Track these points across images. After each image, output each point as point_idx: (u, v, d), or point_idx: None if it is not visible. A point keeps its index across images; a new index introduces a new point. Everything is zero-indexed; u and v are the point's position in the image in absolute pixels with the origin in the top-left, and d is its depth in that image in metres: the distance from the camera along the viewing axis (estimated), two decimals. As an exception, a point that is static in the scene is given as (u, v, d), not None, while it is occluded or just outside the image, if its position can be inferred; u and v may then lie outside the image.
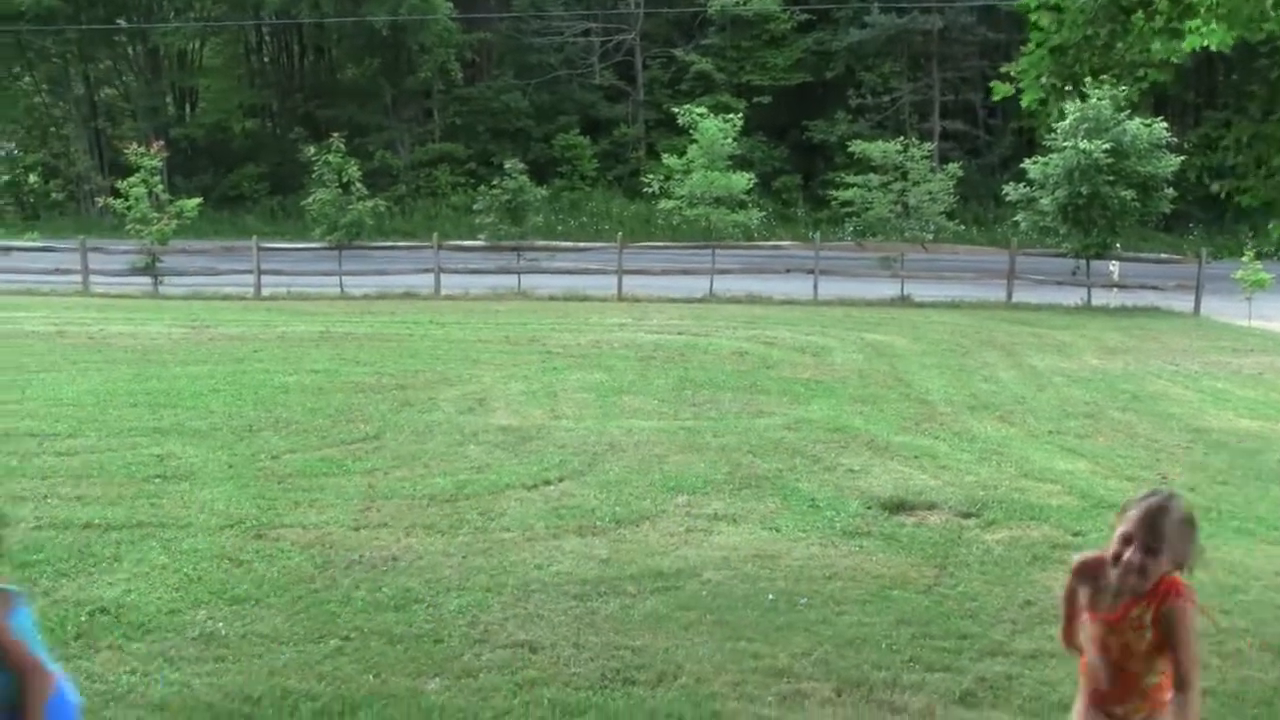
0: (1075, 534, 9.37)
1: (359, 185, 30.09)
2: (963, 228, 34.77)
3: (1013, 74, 7.86)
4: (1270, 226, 8.25)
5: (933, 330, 21.72)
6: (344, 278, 28.74)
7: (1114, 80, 7.85)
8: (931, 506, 10.04)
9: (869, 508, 9.88)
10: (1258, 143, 7.61)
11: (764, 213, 35.30)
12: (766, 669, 6.51)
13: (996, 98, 8.18)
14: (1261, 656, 7.01)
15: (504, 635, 6.97)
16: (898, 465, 11.41)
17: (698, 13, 51.33)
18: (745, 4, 48.94)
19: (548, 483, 10.49)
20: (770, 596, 7.57)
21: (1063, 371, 17.53)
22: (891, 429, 13.07)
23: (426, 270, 28.93)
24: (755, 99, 45.01)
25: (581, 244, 33.43)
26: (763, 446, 12.00)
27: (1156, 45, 7.52)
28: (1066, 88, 7.80)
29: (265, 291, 28.32)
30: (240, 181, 49.34)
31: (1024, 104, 8.02)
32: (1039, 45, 7.59)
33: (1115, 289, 29.71)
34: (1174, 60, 7.86)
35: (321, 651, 6.67)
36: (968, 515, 9.83)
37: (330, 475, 10.70)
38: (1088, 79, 8.25)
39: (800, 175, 45.26)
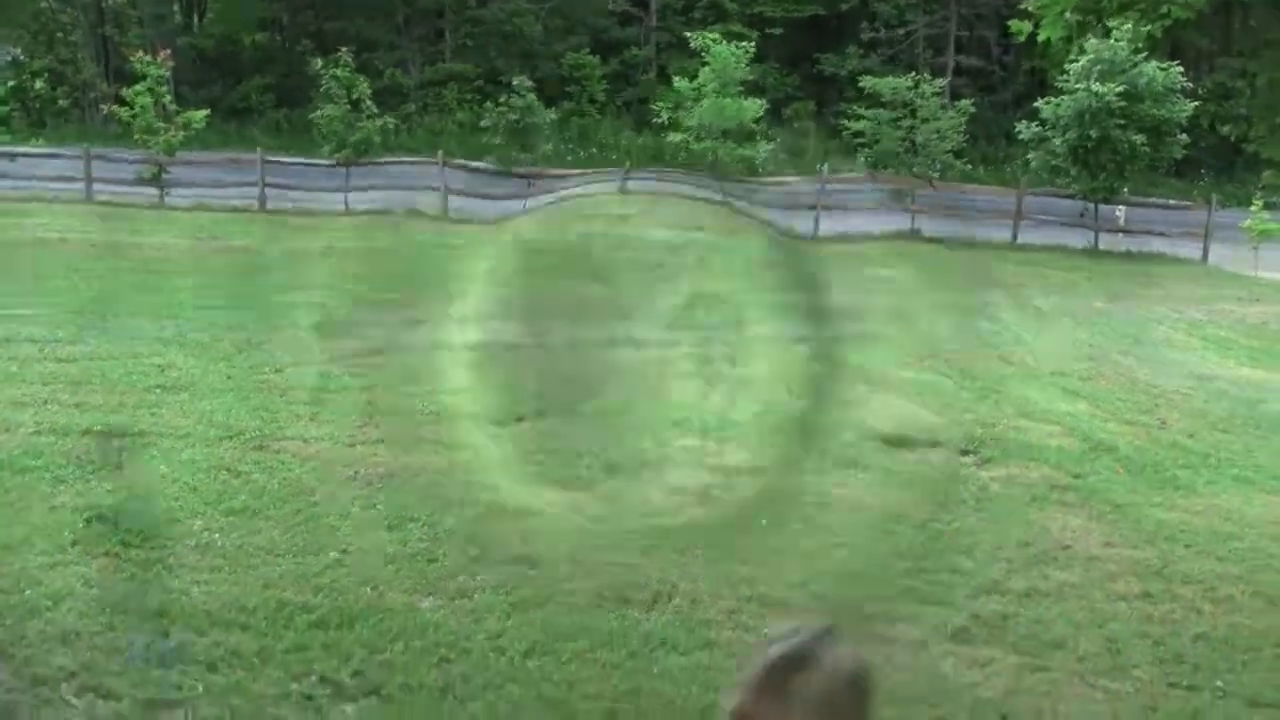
0: (1076, 475, 9.42)
1: (369, 103, 29.89)
2: (969, 166, 34.63)
3: (1032, 8, 7.76)
4: (1266, 175, 8.22)
5: (933, 268, 21.68)
6: (351, 195, 28.70)
7: (1138, 17, 7.69)
8: (934, 443, 10.05)
9: (868, 440, 9.90)
10: (1270, 91, 7.55)
11: (771, 145, 35.04)
12: (760, 597, 6.54)
13: (1019, 36, 8.07)
14: (1252, 603, 7.09)
15: (498, 551, 6.99)
16: (895, 399, 11.41)
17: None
18: (761, -68, 48.54)
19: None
20: (766, 524, 7.59)
21: (1066, 312, 17.52)
22: (888, 363, 13.04)
23: (433, 188, 28.82)
24: (767, 30, 44.55)
25: (589, 171, 33.33)
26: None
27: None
28: (1091, 22, 7.71)
29: (270, 206, 28.24)
30: (248, 94, 49.02)
31: (1041, 37, 7.94)
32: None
33: (1122, 234, 29.68)
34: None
35: (321, 563, 6.70)
36: (967, 452, 9.86)
37: (328, 389, 10.69)
38: (1111, 16, 8.14)
39: (814, 102, 44.97)
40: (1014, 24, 7.64)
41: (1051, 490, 8.99)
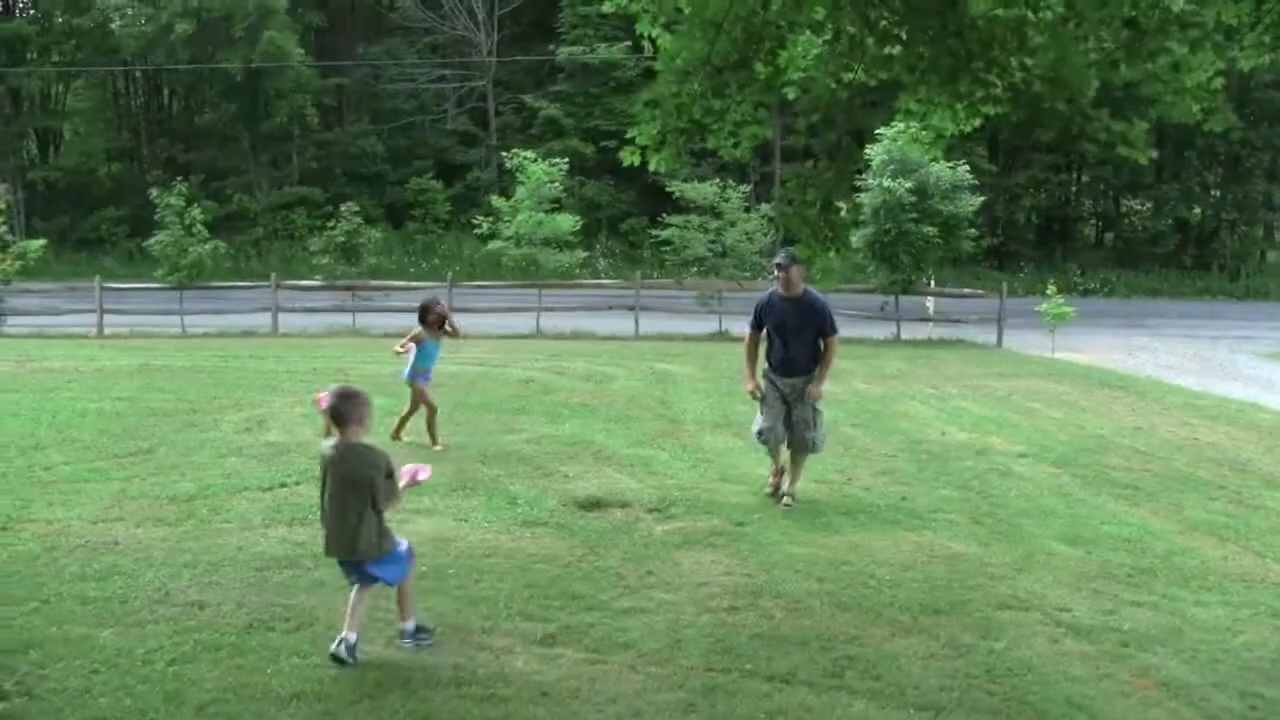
0: (739, 524, 10.79)
1: (200, 227, 31.03)
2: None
3: (635, 138, 9.00)
4: (818, 268, 9.65)
5: (725, 360, 23.19)
6: (187, 317, 29.84)
7: (719, 137, 8.98)
8: (624, 504, 11.40)
9: (565, 505, 11.24)
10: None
11: (589, 253, 36.92)
12: (390, 620, 7.82)
13: (626, 164, 9.26)
14: (825, 610, 8.45)
15: (182, 597, 8.25)
16: (612, 471, 12.78)
17: (547, 60, 52.99)
18: (592, 52, 50.57)
19: (283, 485, 11.75)
20: (424, 568, 8.86)
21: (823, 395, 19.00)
22: (626, 443, 14.46)
23: (266, 309, 30.01)
24: (603, 144, 46.49)
25: (413, 283, 34.78)
26: (496, 456, 13.38)
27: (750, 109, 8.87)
28: (684, 142, 9.00)
29: (108, 330, 29.24)
30: (99, 224, 49.93)
31: (653, 168, 9.19)
32: (645, 105, 8.88)
33: (930, 323, 31.58)
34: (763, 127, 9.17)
35: (20, 611, 7.89)
36: (653, 510, 11.22)
37: (91, 481, 11.86)
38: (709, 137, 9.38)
39: (646, 217, 46.76)
40: (624, 153, 8.53)
41: (709, 535, 10.32)
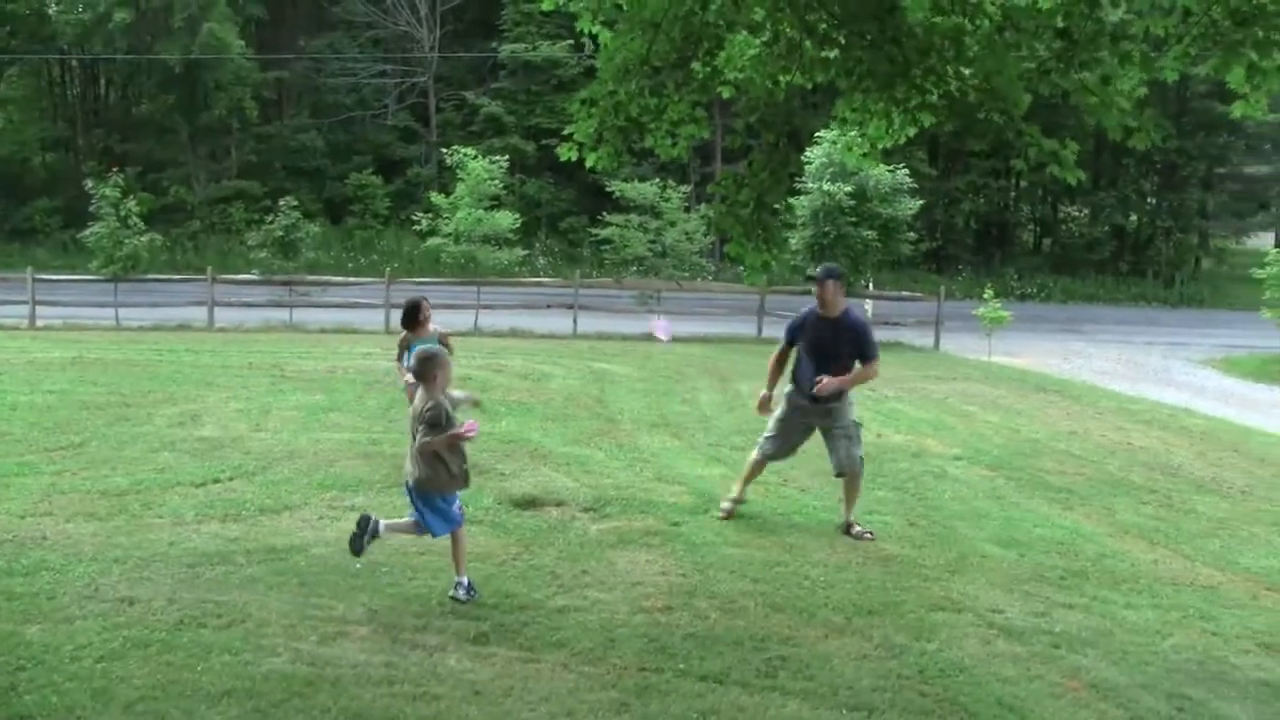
0: (674, 524, 10.80)
1: (136, 220, 30.69)
2: (713, 267, 36.54)
3: (573, 134, 9.00)
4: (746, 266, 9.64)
5: (663, 360, 23.23)
6: (122, 310, 29.46)
7: (657, 136, 8.99)
8: (560, 503, 11.38)
9: (500, 504, 11.20)
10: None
11: (528, 251, 36.89)
12: (323, 617, 7.79)
13: (563, 159, 9.26)
14: (760, 610, 8.48)
15: (112, 593, 8.16)
16: (548, 470, 12.76)
17: (489, 57, 52.87)
18: (534, 50, 50.48)
19: (217, 481, 11.66)
20: (358, 565, 8.83)
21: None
22: (563, 442, 14.44)
23: (202, 303, 29.72)
24: (544, 142, 46.40)
25: (351, 279, 34.63)
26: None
27: (688, 107, 8.88)
28: (618, 141, 8.99)
29: (40, 323, 28.82)
30: (33, 215, 49.29)
31: (590, 164, 9.19)
32: (581, 103, 8.87)
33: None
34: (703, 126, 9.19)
35: (-61, 605, 7.79)
36: (589, 509, 11.21)
37: (20, 476, 11.70)
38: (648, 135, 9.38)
39: (586, 216, 46.74)
40: (561, 149, 8.50)
41: (644, 535, 10.32)
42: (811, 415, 10.95)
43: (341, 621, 7.77)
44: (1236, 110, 7.69)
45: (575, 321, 29.59)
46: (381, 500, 11.11)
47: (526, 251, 37.31)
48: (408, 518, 8.61)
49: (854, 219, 29.32)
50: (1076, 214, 58.47)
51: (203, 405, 16.17)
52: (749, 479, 11.39)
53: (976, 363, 26.32)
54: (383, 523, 8.45)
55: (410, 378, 9.34)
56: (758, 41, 8.81)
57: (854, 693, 7.00)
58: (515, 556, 9.51)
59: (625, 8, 8.69)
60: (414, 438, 8.29)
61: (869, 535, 10.65)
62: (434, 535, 8.48)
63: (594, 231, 36.24)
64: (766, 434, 11.26)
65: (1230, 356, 30.83)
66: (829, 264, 11.12)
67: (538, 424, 15.67)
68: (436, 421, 8.16)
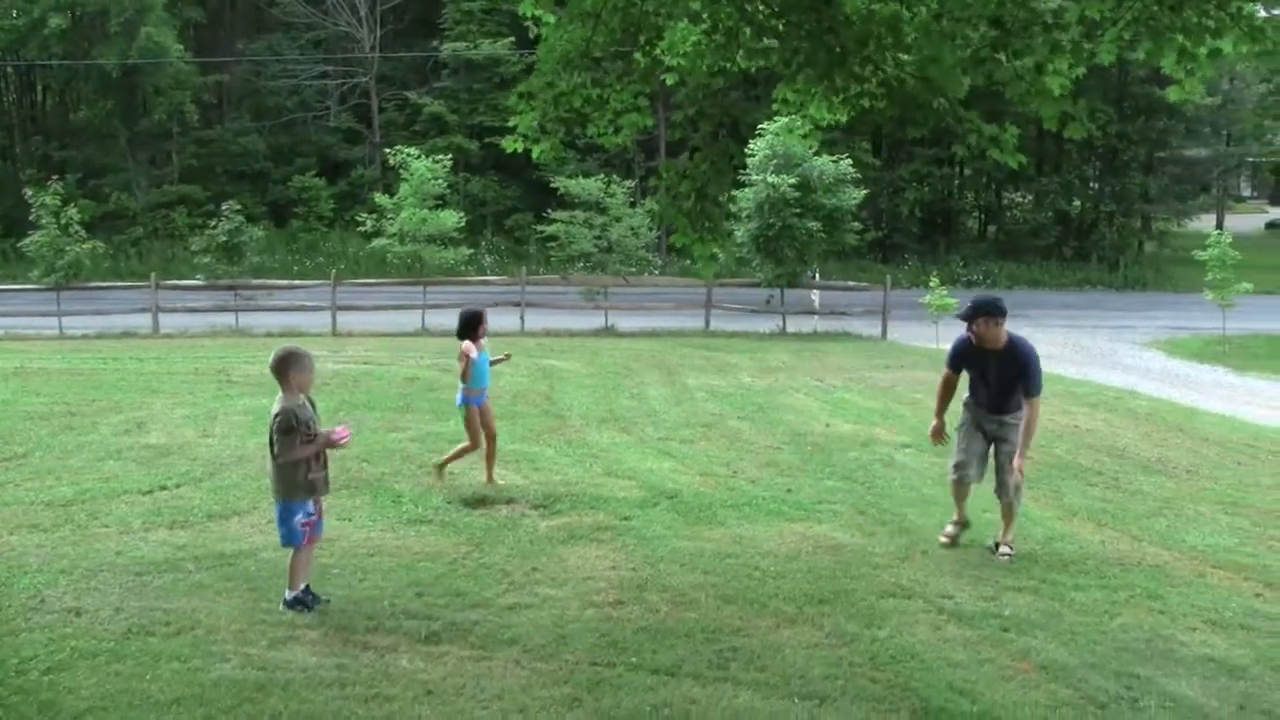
0: (624, 518, 10.80)
1: (77, 227, 30.40)
2: (660, 262, 36.58)
3: (515, 126, 8.99)
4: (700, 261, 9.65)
5: (611, 356, 23.22)
6: (64, 319, 29.22)
7: (599, 125, 9.01)
8: (510, 501, 11.36)
9: (450, 503, 11.17)
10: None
11: (474, 250, 36.81)
12: (273, 621, 7.75)
13: (509, 151, 9.25)
14: (711, 603, 8.49)
15: (58, 604, 8.09)
16: (497, 468, 12.72)
17: (430, 56, 52.69)
18: (475, 48, 50.34)
19: (164, 488, 11.57)
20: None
21: (709, 388, 19.15)
22: (512, 439, 14.40)
23: (146, 310, 29.49)
24: (487, 140, 46.30)
25: (296, 282, 34.47)
26: (380, 455, 13.28)
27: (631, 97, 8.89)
28: (561, 133, 9.01)
29: (-18, 333, 28.60)
30: (-30, 224, 48.77)
31: (536, 156, 9.18)
32: (520, 97, 8.86)
33: (816, 316, 31.84)
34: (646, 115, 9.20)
35: None
36: (538, 506, 11.19)
37: (-43, 486, 11.60)
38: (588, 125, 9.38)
39: (531, 213, 46.67)
40: (506, 140, 8.46)
41: (594, 530, 10.31)
42: (986, 424, 10.19)
43: (291, 625, 7.73)
44: (1172, 94, 7.74)
45: (522, 319, 29.58)
46: (331, 503, 11.00)
47: (472, 250, 37.22)
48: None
49: (799, 210, 29.34)
50: (1020, 200, 58.87)
51: (149, 412, 16.05)
52: (960, 501, 10.49)
53: (924, 350, 26.41)
54: (287, 593, 8.12)
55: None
56: (697, 30, 8.82)
57: (806, 682, 7.01)
58: (465, 555, 9.48)
59: (566, -1, 8.70)
60: (271, 447, 7.97)
61: (1007, 556, 9.89)
62: (284, 545, 8.15)
63: (540, 228, 36.15)
64: (954, 453, 10.41)
65: (1174, 338, 31.10)
66: (977, 299, 10.14)
67: (487, 422, 15.61)
68: (287, 428, 7.85)
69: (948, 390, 10.41)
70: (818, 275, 33.62)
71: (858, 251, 42.12)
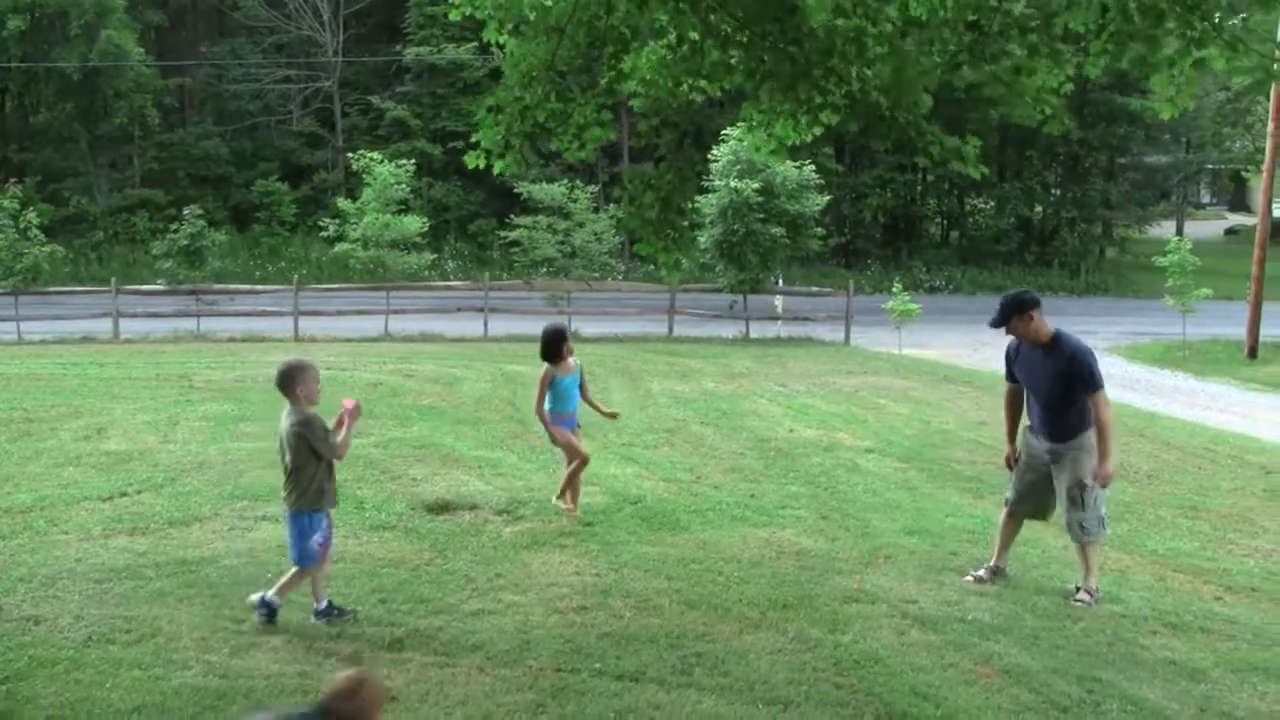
0: (587, 524, 10.82)
1: (36, 231, 30.15)
2: (623, 267, 36.60)
3: (479, 141, 8.95)
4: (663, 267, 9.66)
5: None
6: (23, 324, 28.94)
7: (564, 139, 9.00)
8: (473, 507, 11.35)
9: (413, 509, 11.14)
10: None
11: (437, 255, 36.74)
12: (235, 629, 7.71)
13: (471, 167, 9.19)
14: (675, 608, 8.51)
15: (17, 612, 8.03)
16: (460, 474, 12.71)
17: (394, 61, 52.56)
18: (439, 53, 50.23)
19: (124, 494, 11.50)
20: (270, 575, 8.72)
21: (673, 394, 19.16)
22: (475, 445, 14.40)
23: (107, 315, 29.28)
24: (451, 145, 46.20)
25: (258, 287, 34.33)
26: (343, 461, 13.16)
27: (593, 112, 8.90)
28: (525, 147, 8.97)
29: (-60, 339, 28.33)
30: (-73, 228, 48.28)
31: (498, 171, 9.14)
32: (488, 110, 8.83)
33: (779, 321, 31.90)
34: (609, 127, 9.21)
35: None
36: (502, 512, 11.18)
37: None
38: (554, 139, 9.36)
39: (494, 218, 46.59)
40: (467, 156, 8.41)
41: (558, 536, 10.33)
42: (1040, 454, 9.29)
43: (254, 632, 7.70)
44: (1164, 111, 7.76)
45: (486, 324, 29.50)
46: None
47: (435, 255, 37.21)
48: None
49: (762, 216, 29.42)
50: (983, 206, 59.06)
51: (109, 418, 15.94)
52: (1005, 541, 9.66)
53: (887, 356, 26.52)
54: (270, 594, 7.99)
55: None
56: (661, 45, 8.84)
57: (769, 687, 7.03)
58: (429, 561, 9.47)
59: (530, 14, 8.69)
60: (286, 461, 8.02)
61: (1082, 603, 9.00)
62: (295, 562, 8.07)
63: (503, 234, 36.19)
64: (1009, 486, 9.71)
65: (1135, 343, 31.33)
66: (1010, 292, 9.40)
67: (449, 428, 15.61)
68: (324, 428, 7.99)
69: (1012, 407, 9.60)
70: (781, 281, 33.70)
71: (821, 257, 42.28)
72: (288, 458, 7.93)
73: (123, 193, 49.91)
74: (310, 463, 7.94)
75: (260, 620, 7.84)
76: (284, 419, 7.99)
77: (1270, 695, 7.31)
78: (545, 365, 11.20)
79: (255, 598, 7.94)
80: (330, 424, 8.12)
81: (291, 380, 7.98)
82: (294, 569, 8.04)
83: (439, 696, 6.77)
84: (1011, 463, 9.53)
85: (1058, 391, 8.97)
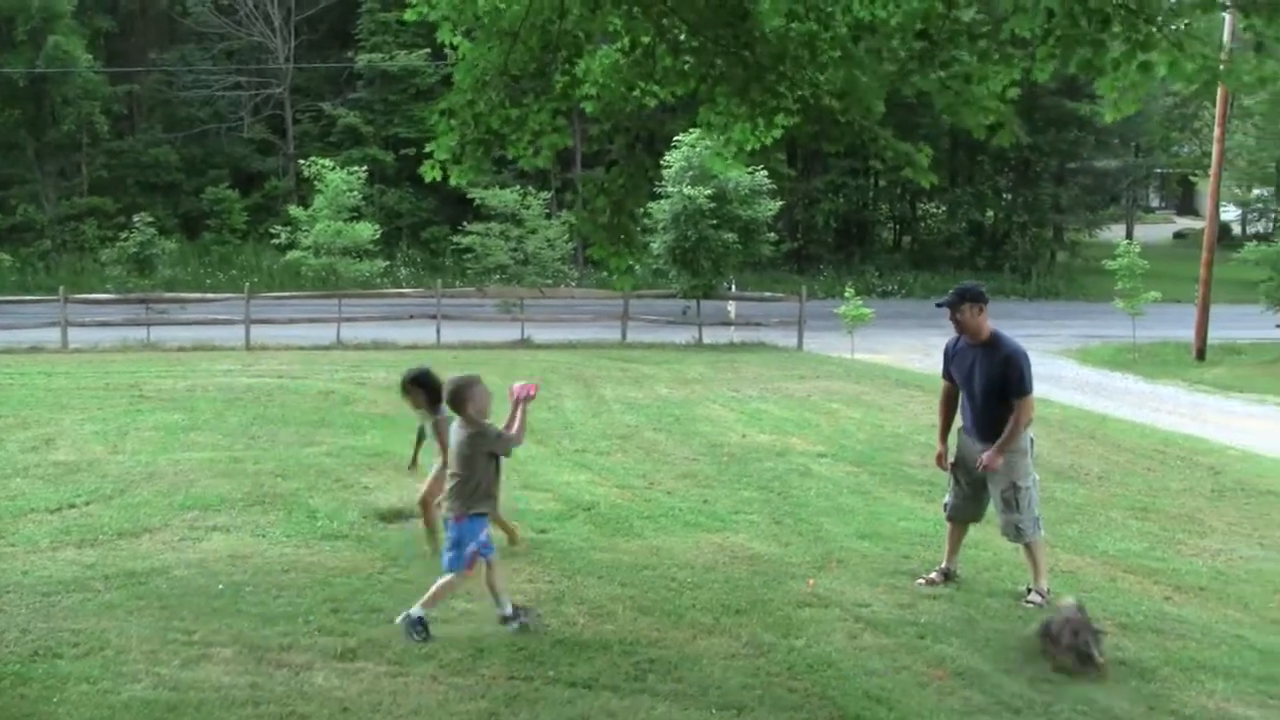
0: (541, 531, 10.79)
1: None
2: (577, 274, 36.57)
3: (434, 152, 8.92)
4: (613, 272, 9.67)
5: (528, 367, 23.13)
6: (-35, 333, 28.66)
7: (518, 146, 8.97)
8: (424, 515, 11.28)
9: (365, 517, 11.08)
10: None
11: (390, 262, 36.60)
12: (185, 640, 7.64)
13: (428, 179, 9.15)
14: (628, 614, 8.49)
15: (-39, 627, 7.95)
16: (413, 483, 12.62)
17: (345, 68, 52.37)
18: (391, 59, 50.08)
19: (72, 506, 11.35)
20: (221, 586, 8.69)
21: (626, 400, 19.15)
22: (427, 454, 14.30)
23: (55, 324, 28.99)
24: (403, 151, 46.07)
25: (209, 295, 34.12)
26: (295, 470, 13.12)
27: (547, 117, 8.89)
28: (481, 155, 8.95)
29: (-114, 348, 27.99)
30: (-127, 235, 47.82)
31: (454, 181, 9.12)
32: (441, 114, 8.80)
33: (732, 327, 31.95)
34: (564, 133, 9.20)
35: None
36: (453, 520, 11.11)
37: None
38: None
39: (447, 225, 46.45)
40: (424, 168, 8.34)
41: (511, 544, 10.31)
42: (974, 456, 9.26)
43: (204, 644, 7.61)
44: (1109, 115, 7.83)
45: (439, 331, 29.43)
46: (244, 519, 10.95)
47: (388, 262, 37.14)
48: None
49: (715, 221, 29.46)
50: (935, 211, 59.40)
51: (57, 429, 15.77)
52: (953, 545, 9.66)
53: (839, 360, 26.61)
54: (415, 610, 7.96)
55: None
56: (614, 50, 8.84)
57: (723, 692, 7.02)
58: (382, 570, 9.42)
59: (484, 18, 8.67)
60: (451, 470, 8.23)
61: (1033, 604, 9.03)
62: (447, 568, 8.14)
63: (456, 240, 36.07)
64: (948, 490, 9.76)
65: (1086, 346, 31.60)
66: (962, 284, 9.44)
67: (402, 436, 15.44)
68: (493, 439, 8.23)
69: (947, 406, 9.63)
70: (734, 286, 33.76)
71: (773, 262, 42.32)
72: (456, 466, 8.12)
73: (71, 201, 49.44)
74: (480, 467, 8.14)
75: (418, 639, 7.75)
76: (455, 431, 8.22)
77: (1218, 693, 7.37)
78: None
79: (402, 620, 7.89)
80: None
81: (462, 398, 8.18)
82: (446, 577, 8.09)
83: (391, 706, 6.73)
84: (943, 461, 9.60)
85: (990, 392, 9.06)
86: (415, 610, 7.90)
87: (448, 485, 8.20)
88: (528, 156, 9.11)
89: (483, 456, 8.12)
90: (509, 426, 8.28)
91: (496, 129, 8.77)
